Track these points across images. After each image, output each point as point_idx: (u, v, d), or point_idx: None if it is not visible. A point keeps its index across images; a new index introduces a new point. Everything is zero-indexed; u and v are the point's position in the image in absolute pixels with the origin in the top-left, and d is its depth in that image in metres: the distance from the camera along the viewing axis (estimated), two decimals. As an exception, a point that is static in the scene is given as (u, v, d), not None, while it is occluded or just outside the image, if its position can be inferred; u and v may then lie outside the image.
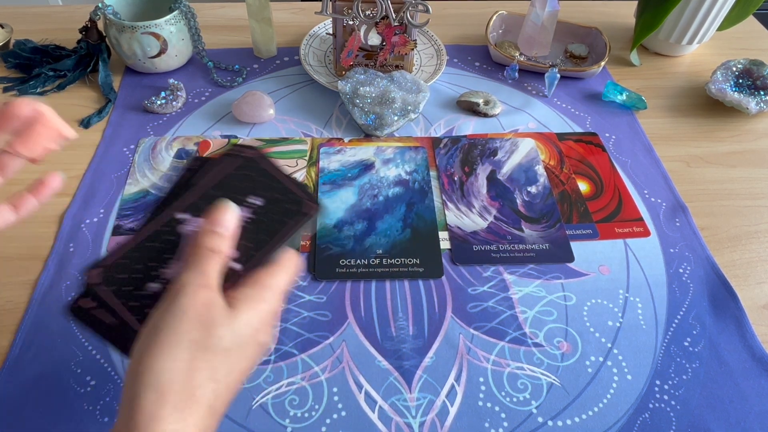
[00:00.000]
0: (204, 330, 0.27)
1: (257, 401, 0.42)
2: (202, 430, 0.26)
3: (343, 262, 0.51)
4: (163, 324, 0.27)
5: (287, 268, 0.32)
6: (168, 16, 0.65)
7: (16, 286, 0.48)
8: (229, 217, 0.31)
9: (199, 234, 0.31)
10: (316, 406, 0.42)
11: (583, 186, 0.59)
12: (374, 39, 0.66)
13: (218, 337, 0.27)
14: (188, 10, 0.67)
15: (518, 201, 0.57)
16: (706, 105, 0.71)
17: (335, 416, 0.41)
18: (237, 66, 0.72)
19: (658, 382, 0.44)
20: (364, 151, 0.61)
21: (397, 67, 0.68)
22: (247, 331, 0.29)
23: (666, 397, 0.43)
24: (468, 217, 0.55)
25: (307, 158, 0.60)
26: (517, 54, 0.75)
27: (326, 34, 0.76)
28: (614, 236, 0.54)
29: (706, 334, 0.47)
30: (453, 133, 0.65)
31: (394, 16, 0.62)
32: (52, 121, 0.34)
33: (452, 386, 0.43)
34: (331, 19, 0.68)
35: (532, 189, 0.58)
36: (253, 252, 0.32)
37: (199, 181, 0.33)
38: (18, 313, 0.47)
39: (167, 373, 0.26)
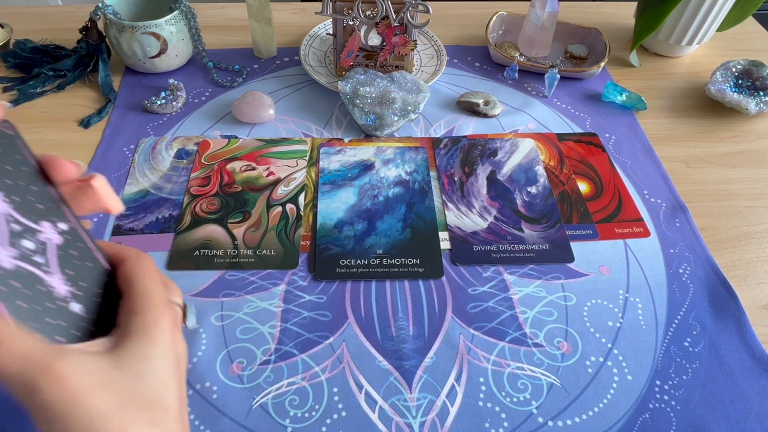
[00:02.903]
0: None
1: (257, 401, 0.42)
2: None
3: (343, 262, 0.51)
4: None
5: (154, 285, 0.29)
6: (168, 16, 0.65)
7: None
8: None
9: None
10: (317, 406, 0.42)
11: (583, 186, 0.59)
12: (374, 39, 0.66)
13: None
14: (188, 10, 0.67)
15: (518, 201, 0.57)
16: (705, 105, 0.71)
17: (335, 416, 0.41)
18: (237, 66, 0.73)
19: (658, 383, 0.44)
20: (364, 152, 0.61)
21: (397, 67, 0.68)
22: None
23: (666, 397, 0.43)
24: (468, 218, 0.55)
25: (307, 158, 0.60)
26: (517, 54, 0.75)
27: (326, 34, 0.76)
28: (614, 236, 0.54)
29: (706, 335, 0.47)
30: (453, 134, 0.65)
31: (394, 16, 0.62)
32: (101, 194, 0.28)
33: (452, 386, 0.43)
34: (331, 20, 0.68)
35: (532, 189, 0.58)
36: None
37: None
38: (18, 313, 0.46)
39: None
